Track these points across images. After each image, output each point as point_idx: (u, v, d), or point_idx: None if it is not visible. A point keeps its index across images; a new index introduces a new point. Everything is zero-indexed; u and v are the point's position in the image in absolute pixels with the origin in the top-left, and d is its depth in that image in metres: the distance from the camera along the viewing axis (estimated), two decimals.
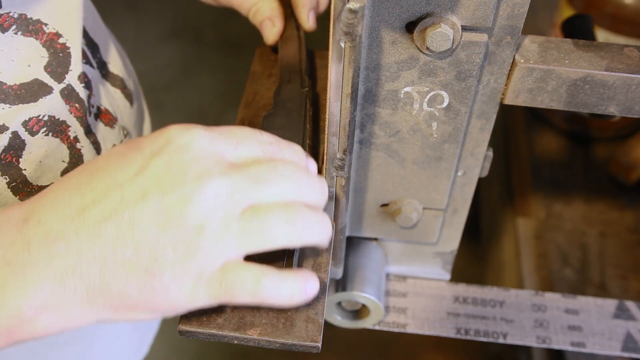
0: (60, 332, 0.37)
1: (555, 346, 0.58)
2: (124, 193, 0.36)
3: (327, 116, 0.42)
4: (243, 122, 0.57)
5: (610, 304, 0.61)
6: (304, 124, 0.52)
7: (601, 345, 0.58)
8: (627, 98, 0.43)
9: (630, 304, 0.61)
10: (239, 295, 0.39)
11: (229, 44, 2.14)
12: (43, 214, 0.36)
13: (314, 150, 0.54)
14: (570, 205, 0.97)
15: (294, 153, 0.42)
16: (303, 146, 0.51)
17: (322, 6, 0.62)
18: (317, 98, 0.58)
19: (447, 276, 0.61)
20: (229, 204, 0.37)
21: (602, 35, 0.92)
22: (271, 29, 0.60)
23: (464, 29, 0.40)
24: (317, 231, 0.40)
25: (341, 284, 0.57)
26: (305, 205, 0.40)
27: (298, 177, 0.40)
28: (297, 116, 0.53)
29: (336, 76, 0.39)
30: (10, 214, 0.37)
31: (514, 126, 1.11)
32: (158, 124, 0.75)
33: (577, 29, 0.57)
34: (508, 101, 0.45)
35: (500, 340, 0.58)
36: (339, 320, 0.60)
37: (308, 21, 0.60)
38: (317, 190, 0.41)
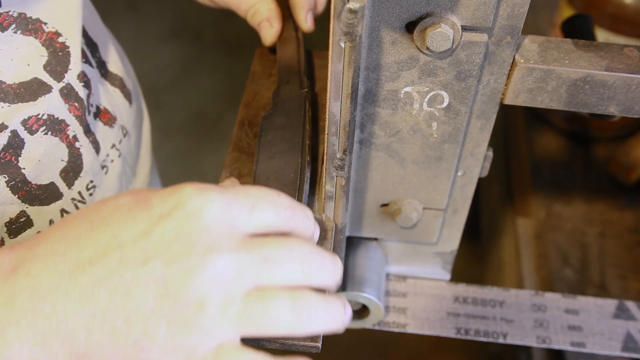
0: None
1: (555, 346, 0.58)
2: (124, 255, 0.33)
3: (327, 116, 0.42)
4: (243, 122, 0.57)
5: (610, 304, 0.61)
6: (303, 125, 0.52)
7: (601, 345, 0.58)
8: (627, 98, 0.43)
9: (630, 304, 0.61)
10: None
11: (229, 44, 2.14)
12: (34, 265, 0.34)
13: (314, 150, 0.54)
14: (570, 205, 0.97)
15: (306, 218, 0.40)
16: (302, 146, 0.51)
17: (320, 7, 0.62)
18: (315, 98, 0.58)
19: (447, 276, 0.61)
20: (234, 283, 0.34)
21: (602, 35, 0.92)
22: (269, 30, 0.61)
23: (464, 29, 0.40)
24: (323, 317, 0.37)
25: (341, 284, 0.57)
26: (312, 290, 0.37)
27: (311, 258, 0.37)
28: (296, 117, 0.53)
29: (336, 76, 0.39)
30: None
31: (514, 126, 1.10)
32: (158, 124, 0.75)
33: (577, 29, 0.57)
34: (508, 101, 0.45)
35: (500, 340, 0.58)
36: None
37: (306, 22, 0.60)
38: (328, 271, 0.38)
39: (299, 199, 0.48)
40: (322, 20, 0.66)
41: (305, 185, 0.49)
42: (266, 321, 0.35)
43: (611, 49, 0.44)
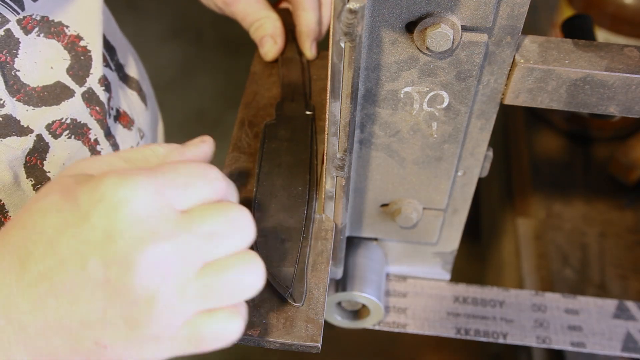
0: None
1: (555, 346, 0.58)
2: (62, 262, 0.32)
3: (327, 116, 0.42)
4: (243, 123, 0.57)
5: (610, 304, 0.61)
6: (311, 145, 0.53)
7: (601, 345, 0.58)
8: (627, 98, 0.43)
9: (630, 304, 0.61)
10: (212, 345, 0.36)
11: (229, 44, 2.14)
12: None
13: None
14: (570, 205, 0.97)
15: (235, 190, 0.39)
16: (310, 165, 0.52)
17: (324, 33, 0.64)
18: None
19: (447, 276, 0.61)
20: (182, 267, 0.34)
21: (602, 35, 0.92)
22: (272, 46, 0.62)
23: (464, 29, 0.40)
24: (261, 274, 0.36)
25: (341, 284, 0.57)
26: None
27: (247, 223, 0.36)
28: (303, 135, 0.55)
29: (336, 76, 0.39)
30: None
31: (514, 126, 1.10)
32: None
33: (577, 29, 0.57)
34: (508, 101, 0.45)
35: (500, 340, 0.58)
36: (339, 320, 0.60)
37: (311, 50, 0.62)
38: (253, 230, 0.37)
39: (308, 213, 0.49)
40: None
41: (314, 202, 0.50)
42: (228, 291, 0.35)
43: (611, 49, 0.44)
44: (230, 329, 0.35)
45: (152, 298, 0.33)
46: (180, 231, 0.34)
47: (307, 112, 0.57)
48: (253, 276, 0.35)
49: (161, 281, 0.33)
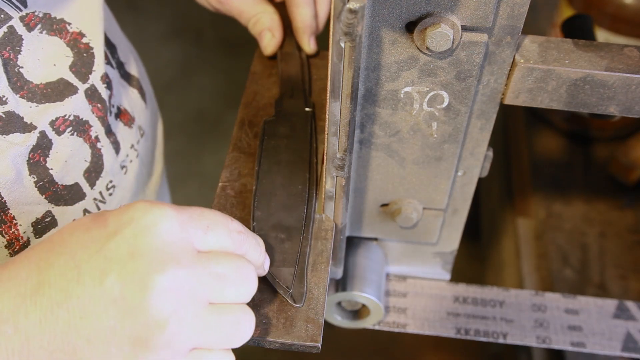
0: None
1: (555, 346, 0.58)
2: (80, 275, 0.33)
3: (327, 116, 0.42)
4: (243, 122, 0.57)
5: (610, 304, 0.61)
6: (310, 143, 0.53)
7: (601, 345, 0.58)
8: (627, 98, 0.43)
9: (630, 304, 0.61)
10: None
11: (229, 44, 2.14)
12: None
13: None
14: (570, 205, 0.97)
15: (258, 246, 0.41)
16: (310, 163, 0.52)
17: (321, 27, 0.64)
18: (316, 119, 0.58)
19: (447, 276, 0.61)
20: (194, 298, 0.35)
21: (602, 35, 0.92)
22: (271, 40, 0.62)
23: (464, 29, 0.40)
24: (251, 329, 0.39)
25: (341, 284, 0.57)
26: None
27: (254, 280, 0.39)
28: (302, 132, 0.54)
29: (336, 76, 0.39)
30: None
31: (514, 126, 1.10)
32: None
33: (577, 29, 0.57)
34: (508, 101, 0.45)
35: (500, 340, 0.58)
36: (339, 320, 0.60)
37: (309, 45, 0.62)
38: (253, 291, 0.40)
39: (308, 212, 0.49)
40: None
41: (314, 201, 0.50)
42: (227, 335, 0.36)
43: (611, 49, 0.44)
44: None
45: (165, 322, 0.33)
46: (196, 264, 0.35)
47: (307, 109, 0.57)
48: (247, 327, 0.38)
49: (175, 307, 0.34)
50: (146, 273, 0.33)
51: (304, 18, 0.61)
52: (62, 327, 0.33)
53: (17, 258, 0.35)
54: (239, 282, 0.37)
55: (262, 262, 0.42)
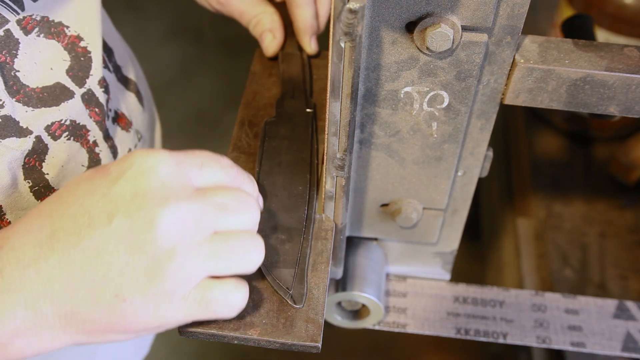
0: (34, 356, 0.38)
1: (555, 346, 0.58)
2: (91, 218, 0.36)
3: (327, 116, 0.42)
4: (243, 122, 0.57)
5: (610, 304, 0.61)
6: (311, 144, 0.53)
7: (601, 345, 0.58)
8: (627, 98, 0.43)
9: (630, 304, 0.61)
10: (219, 311, 0.39)
11: (229, 44, 2.14)
12: (16, 241, 0.37)
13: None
14: (570, 205, 0.97)
15: (250, 180, 0.43)
16: (311, 164, 0.52)
17: (322, 27, 0.63)
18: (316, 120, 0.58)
19: (447, 276, 0.61)
20: (197, 228, 0.37)
21: (602, 35, 0.92)
22: (272, 41, 0.62)
23: (464, 29, 0.40)
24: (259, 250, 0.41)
25: (341, 284, 0.57)
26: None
27: (255, 207, 0.41)
28: (303, 133, 0.54)
29: (336, 76, 0.39)
30: None
31: (514, 126, 1.10)
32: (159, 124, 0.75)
33: (577, 29, 0.57)
34: (508, 101, 0.45)
35: (500, 340, 0.58)
36: (339, 320, 0.60)
37: (310, 46, 0.62)
38: (258, 218, 0.42)
39: (309, 213, 0.49)
40: None
41: (314, 202, 0.50)
42: (234, 259, 0.39)
43: (611, 49, 0.44)
44: (235, 296, 0.39)
45: (172, 251, 0.36)
46: (196, 198, 0.38)
47: (308, 110, 0.57)
48: (256, 251, 0.40)
49: (180, 237, 0.36)
50: (150, 208, 0.36)
51: (304, 19, 0.60)
52: (79, 267, 0.36)
53: (28, 214, 0.38)
54: (240, 210, 0.39)
55: (256, 194, 0.44)
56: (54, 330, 0.37)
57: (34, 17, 0.47)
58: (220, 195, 0.39)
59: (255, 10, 0.62)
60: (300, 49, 0.62)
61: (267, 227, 0.48)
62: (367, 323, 0.59)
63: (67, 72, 0.50)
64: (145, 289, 0.36)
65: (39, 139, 0.48)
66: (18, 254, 0.36)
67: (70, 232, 0.36)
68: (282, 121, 0.55)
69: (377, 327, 0.60)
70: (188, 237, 0.37)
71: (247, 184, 0.43)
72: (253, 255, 0.40)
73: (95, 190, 0.37)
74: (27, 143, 0.47)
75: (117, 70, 0.59)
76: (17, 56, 0.46)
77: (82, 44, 0.51)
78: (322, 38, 0.62)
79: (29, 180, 0.48)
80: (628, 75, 0.42)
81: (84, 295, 0.36)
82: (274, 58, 0.63)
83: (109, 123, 0.55)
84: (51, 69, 0.49)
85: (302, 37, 0.61)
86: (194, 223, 0.37)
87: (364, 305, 0.58)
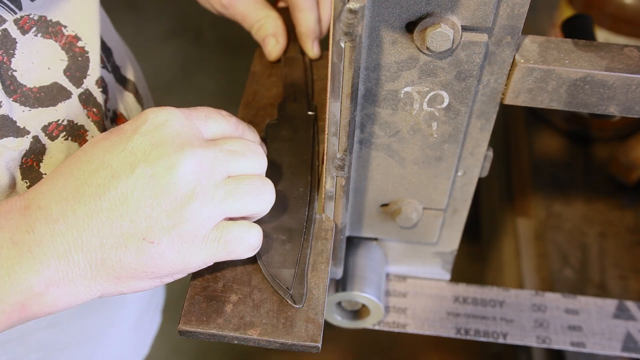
0: (67, 307, 0.40)
1: (555, 346, 0.58)
2: (113, 170, 0.39)
3: (327, 116, 0.42)
4: None
5: (610, 304, 0.61)
6: (312, 146, 0.53)
7: (601, 345, 0.58)
8: (627, 98, 0.43)
9: (630, 304, 0.61)
10: (236, 249, 0.42)
11: (229, 44, 2.14)
12: (42, 199, 0.39)
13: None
14: (570, 205, 0.97)
15: (250, 129, 0.48)
16: (312, 166, 0.52)
17: (324, 31, 0.64)
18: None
19: (447, 276, 0.61)
20: (212, 172, 0.40)
21: (602, 35, 0.92)
22: (275, 46, 0.62)
23: (464, 29, 0.40)
24: (270, 192, 0.44)
25: (341, 284, 0.57)
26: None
27: (261, 152, 0.44)
28: (305, 135, 0.54)
29: (336, 76, 0.39)
30: (12, 203, 0.39)
31: (514, 126, 1.10)
32: None
33: (577, 29, 0.57)
34: (508, 101, 0.45)
35: (500, 340, 0.58)
36: (339, 320, 0.60)
37: (313, 50, 0.62)
38: (265, 163, 0.45)
39: (309, 215, 0.49)
40: None
41: (315, 203, 0.50)
42: (249, 200, 0.42)
43: (611, 49, 0.44)
44: (251, 235, 0.43)
45: (191, 193, 0.39)
46: (209, 145, 0.41)
47: (309, 113, 0.57)
48: (267, 192, 0.43)
49: (197, 180, 0.39)
50: (169, 155, 0.39)
51: (307, 23, 0.61)
52: (107, 215, 0.38)
53: (47, 177, 0.40)
54: (250, 155, 0.43)
55: (258, 141, 0.48)
56: (85, 280, 0.39)
57: (31, 16, 0.47)
58: (229, 143, 0.42)
59: (258, 14, 0.62)
60: (303, 52, 0.62)
61: (268, 227, 0.48)
62: (367, 323, 0.59)
63: (65, 72, 0.50)
64: (170, 231, 0.39)
65: (36, 139, 0.48)
66: (45, 211, 0.38)
67: (95, 185, 0.38)
68: (283, 124, 0.56)
69: (377, 327, 0.60)
70: (205, 180, 0.40)
71: (249, 133, 0.47)
72: (265, 196, 0.43)
73: (114, 147, 0.39)
74: (24, 143, 0.47)
75: (116, 71, 0.59)
76: (15, 56, 0.46)
77: (79, 43, 0.51)
78: (323, 39, 0.62)
79: (27, 181, 0.48)
80: (628, 75, 0.42)
81: (113, 242, 0.38)
82: (277, 61, 0.63)
83: (107, 123, 0.55)
84: (48, 68, 0.49)
85: (305, 41, 0.62)
86: (210, 167, 0.40)
87: (364, 305, 0.58)
